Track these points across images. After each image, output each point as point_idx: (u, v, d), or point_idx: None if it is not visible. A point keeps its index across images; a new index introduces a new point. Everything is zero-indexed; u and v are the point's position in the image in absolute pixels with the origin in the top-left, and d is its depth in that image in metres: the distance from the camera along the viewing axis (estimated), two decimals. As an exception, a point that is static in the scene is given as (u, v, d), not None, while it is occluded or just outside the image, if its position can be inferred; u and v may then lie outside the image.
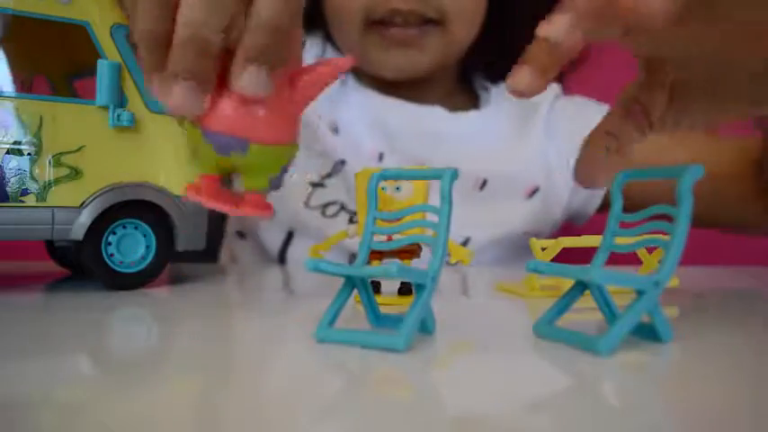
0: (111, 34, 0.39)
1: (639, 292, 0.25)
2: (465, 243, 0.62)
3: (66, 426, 0.17)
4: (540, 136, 0.66)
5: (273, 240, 0.65)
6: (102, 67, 0.38)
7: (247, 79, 0.25)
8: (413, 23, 0.60)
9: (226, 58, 0.26)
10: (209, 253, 0.77)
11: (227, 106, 0.26)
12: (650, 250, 0.40)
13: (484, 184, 0.64)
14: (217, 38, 0.25)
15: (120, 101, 0.39)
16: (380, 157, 0.63)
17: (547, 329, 0.27)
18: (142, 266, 0.39)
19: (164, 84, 0.26)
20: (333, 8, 0.63)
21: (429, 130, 0.64)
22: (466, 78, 0.72)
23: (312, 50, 0.66)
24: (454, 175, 0.26)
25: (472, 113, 0.67)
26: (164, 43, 0.26)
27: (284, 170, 0.28)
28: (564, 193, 0.67)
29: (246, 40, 0.25)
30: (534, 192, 0.65)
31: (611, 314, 0.28)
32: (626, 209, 0.28)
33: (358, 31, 0.61)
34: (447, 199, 0.26)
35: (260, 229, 0.65)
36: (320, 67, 0.27)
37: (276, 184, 0.28)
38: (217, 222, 0.74)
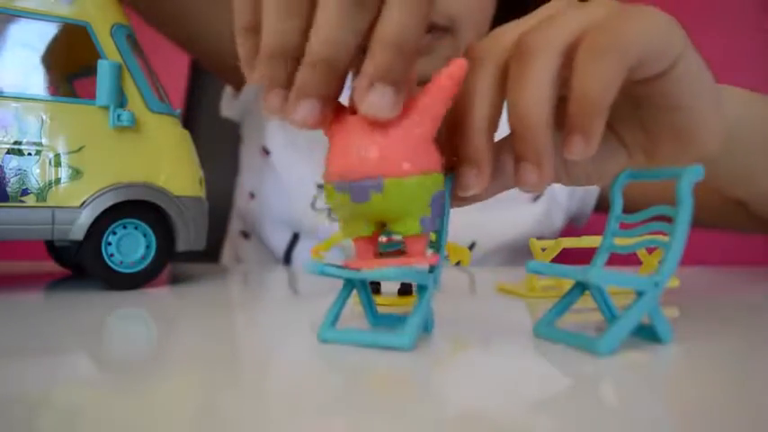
0: (112, 34, 0.39)
1: (639, 293, 0.25)
2: (470, 248, 0.62)
3: (67, 426, 0.17)
4: None
5: (279, 241, 0.65)
6: (103, 67, 0.38)
7: (374, 99, 0.23)
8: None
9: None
10: (211, 253, 0.77)
11: (344, 149, 0.24)
12: (650, 251, 0.40)
13: None
14: (348, 58, 0.24)
15: (121, 101, 0.39)
16: None
17: (547, 330, 0.27)
18: (142, 266, 0.39)
19: (285, 98, 0.25)
20: None
21: None
22: None
23: None
24: (451, 177, 0.27)
25: None
26: (292, 58, 0.24)
27: (436, 209, 0.25)
28: (563, 198, 0.68)
29: (371, 59, 0.23)
30: (538, 196, 0.66)
31: (610, 315, 0.28)
32: (626, 210, 0.28)
33: None
34: (446, 201, 0.27)
35: (265, 231, 0.65)
36: (437, 81, 0.24)
37: (429, 225, 0.25)
38: (218, 222, 0.75)
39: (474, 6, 0.58)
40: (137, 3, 0.61)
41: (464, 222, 0.64)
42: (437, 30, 0.56)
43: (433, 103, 0.24)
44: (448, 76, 0.24)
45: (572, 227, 0.73)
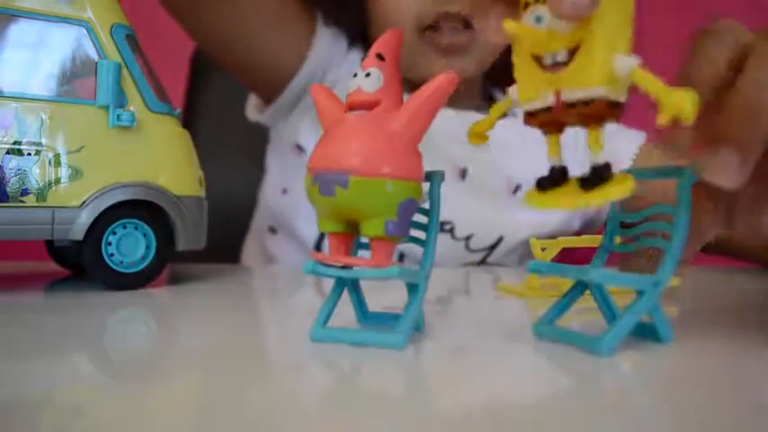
0: (111, 34, 0.39)
1: (639, 292, 0.25)
2: (498, 243, 0.65)
3: (67, 426, 0.17)
4: (566, 148, 0.69)
5: (310, 233, 0.66)
6: (103, 67, 0.38)
7: None
8: (462, 28, 0.61)
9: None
10: (230, 252, 0.78)
11: (326, 144, 0.25)
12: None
13: (517, 188, 0.67)
14: None
15: (121, 101, 0.39)
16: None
17: (547, 330, 0.27)
18: (142, 266, 0.39)
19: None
20: (383, 19, 0.65)
21: (466, 134, 0.66)
22: (487, 94, 0.75)
23: (356, 64, 0.68)
24: (442, 177, 0.28)
25: (504, 121, 0.70)
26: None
27: (404, 214, 0.25)
28: None
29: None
30: None
31: (611, 314, 0.28)
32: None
33: (410, 40, 0.61)
34: (435, 201, 0.27)
35: (298, 223, 0.67)
36: (422, 92, 0.25)
37: (394, 230, 0.25)
38: (218, 221, 0.76)
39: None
40: (184, 21, 0.63)
41: (494, 220, 0.66)
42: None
43: (420, 116, 0.25)
44: (437, 89, 0.25)
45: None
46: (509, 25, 0.22)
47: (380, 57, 0.26)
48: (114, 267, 0.39)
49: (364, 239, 0.27)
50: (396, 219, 0.25)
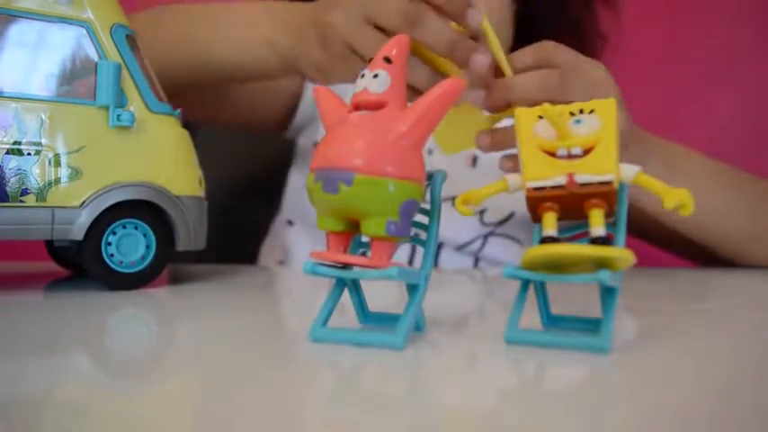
0: (111, 34, 0.39)
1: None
2: (510, 217, 0.69)
3: (67, 426, 0.17)
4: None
5: None
6: (103, 67, 0.38)
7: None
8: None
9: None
10: (230, 252, 0.78)
11: (330, 142, 0.25)
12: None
13: None
14: None
15: (120, 101, 0.39)
16: (429, 152, 0.69)
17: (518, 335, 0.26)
18: (142, 266, 0.39)
19: None
20: None
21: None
22: None
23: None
24: (443, 177, 0.28)
25: None
26: None
27: (406, 215, 0.25)
28: None
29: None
30: None
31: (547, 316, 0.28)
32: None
33: None
34: (436, 201, 0.27)
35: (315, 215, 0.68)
36: (429, 95, 0.25)
37: (396, 231, 0.25)
38: (236, 222, 0.78)
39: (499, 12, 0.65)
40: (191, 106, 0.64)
41: (506, 197, 0.66)
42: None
43: (426, 119, 0.25)
44: (444, 93, 0.25)
45: None
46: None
47: (388, 60, 0.26)
48: (114, 267, 0.39)
49: (365, 239, 0.27)
50: (398, 219, 0.25)
